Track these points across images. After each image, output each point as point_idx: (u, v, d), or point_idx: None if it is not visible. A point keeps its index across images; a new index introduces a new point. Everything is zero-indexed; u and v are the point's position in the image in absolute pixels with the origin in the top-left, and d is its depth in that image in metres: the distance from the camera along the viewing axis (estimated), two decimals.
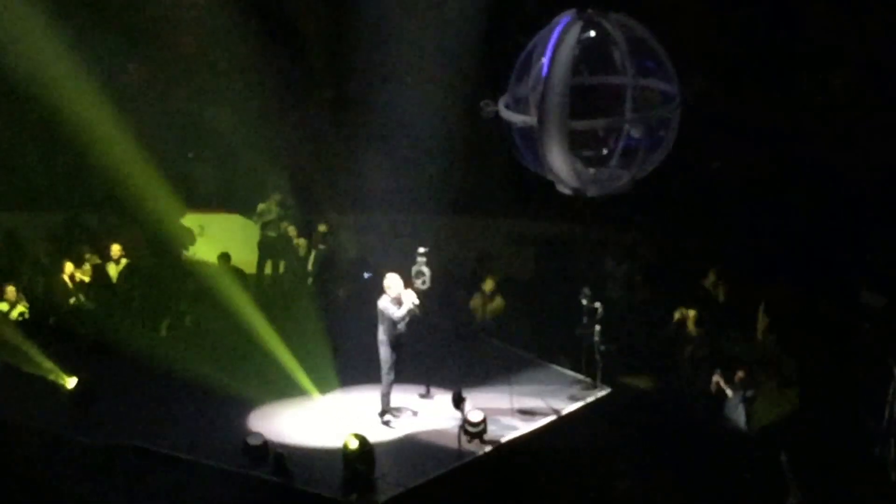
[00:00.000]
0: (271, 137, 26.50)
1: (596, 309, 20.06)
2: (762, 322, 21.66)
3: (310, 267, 24.82)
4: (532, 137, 15.07)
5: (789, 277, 22.00)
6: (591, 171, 15.43)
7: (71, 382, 19.61)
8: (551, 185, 24.34)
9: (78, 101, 24.38)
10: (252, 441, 17.60)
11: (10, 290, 21.67)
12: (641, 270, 23.75)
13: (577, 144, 15.07)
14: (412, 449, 18.15)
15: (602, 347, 19.87)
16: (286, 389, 19.60)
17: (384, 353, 18.55)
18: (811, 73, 25.22)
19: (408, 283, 18.74)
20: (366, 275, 23.95)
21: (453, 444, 17.69)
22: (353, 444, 17.00)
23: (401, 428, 18.70)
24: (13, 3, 23.87)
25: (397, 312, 18.35)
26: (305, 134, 26.69)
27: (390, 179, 25.58)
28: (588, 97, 15.06)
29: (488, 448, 17.89)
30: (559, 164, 15.03)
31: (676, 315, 21.43)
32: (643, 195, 24.27)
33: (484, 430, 17.99)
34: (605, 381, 19.97)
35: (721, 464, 17.80)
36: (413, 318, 18.51)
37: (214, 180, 26.88)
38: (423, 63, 25.71)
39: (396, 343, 18.53)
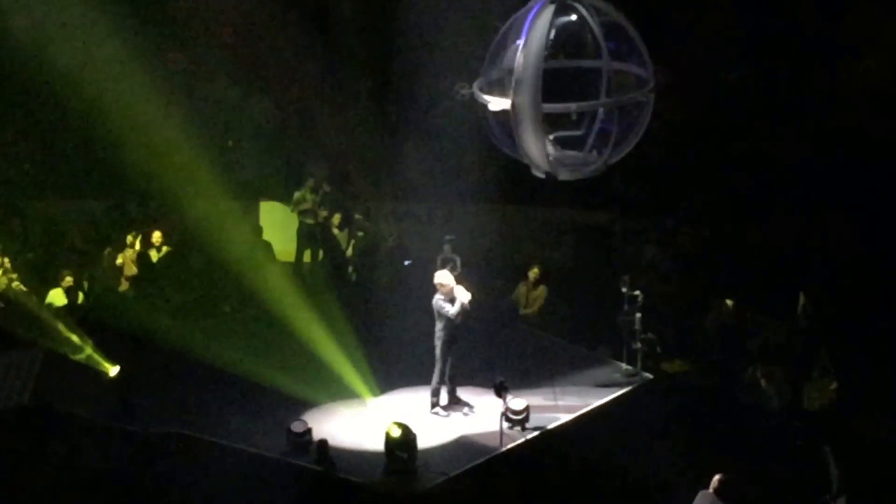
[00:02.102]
0: (311, 126, 26.55)
1: (636, 297, 20.05)
2: (802, 311, 21.58)
3: (349, 255, 24.81)
4: (506, 121, 15.07)
5: (831, 267, 21.88)
6: (564, 154, 15.41)
7: (113, 370, 19.70)
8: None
9: (118, 89, 24.49)
10: (296, 428, 17.66)
11: (68, 279, 21.87)
12: (681, 258, 23.67)
13: (552, 128, 15.08)
14: (454, 437, 18.19)
15: (642, 335, 19.86)
16: (328, 379, 19.60)
17: (440, 349, 18.55)
18: (850, 59, 25.08)
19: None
20: (406, 262, 23.96)
21: (495, 432, 17.72)
22: (396, 432, 17.06)
23: (443, 417, 18.72)
24: None
25: (452, 310, 18.34)
26: (345, 123, 26.71)
27: (429, 167, 25.59)
28: (563, 80, 15.04)
29: (530, 436, 17.93)
30: (532, 147, 15.03)
31: (714, 304, 21.41)
32: (682, 183, 24.47)
33: (526, 419, 18.03)
34: (646, 369, 19.97)
35: (763, 454, 17.74)
36: (465, 311, 18.51)
37: (254, 169, 26.90)
38: (462, 51, 25.68)
39: (452, 340, 18.53)
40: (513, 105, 14.80)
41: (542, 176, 15.45)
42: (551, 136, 15.11)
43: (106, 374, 19.72)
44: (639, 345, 19.86)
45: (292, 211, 25.50)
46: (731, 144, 24.87)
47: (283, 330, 20.90)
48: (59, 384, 19.71)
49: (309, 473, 17.20)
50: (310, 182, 25.44)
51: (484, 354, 20.22)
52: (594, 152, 15.40)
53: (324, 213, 25.28)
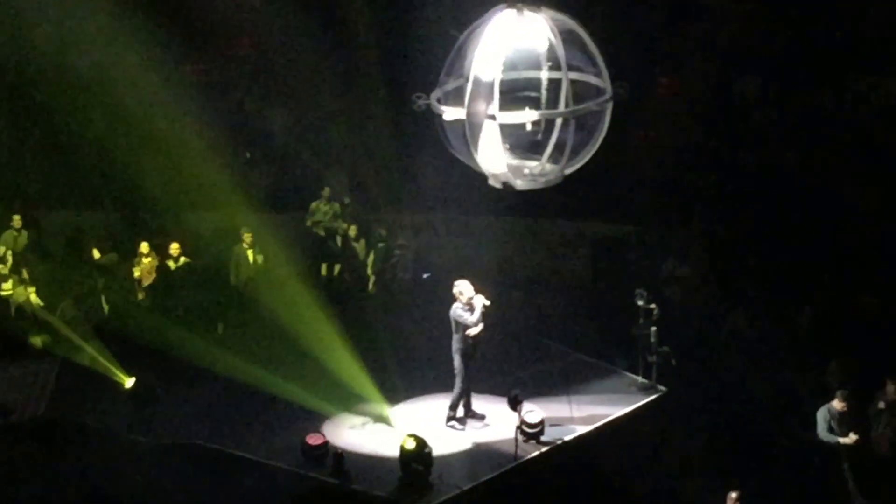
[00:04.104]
0: (328, 138, 26.59)
1: (652, 310, 20.01)
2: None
3: (369, 268, 24.76)
4: (462, 131, 15.07)
5: (843, 279, 21.82)
6: (521, 164, 15.38)
7: (129, 382, 19.75)
8: (606, 185, 24.56)
9: (136, 101, 24.59)
10: (311, 440, 17.67)
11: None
12: (698, 271, 23.62)
13: (509, 138, 15.07)
14: (469, 450, 18.19)
15: (658, 348, 19.83)
16: (344, 391, 19.58)
17: (458, 361, 18.49)
18: (867, 74, 25.08)
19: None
20: (425, 275, 23.92)
21: (510, 445, 17.71)
22: (411, 445, 17.08)
23: (458, 429, 18.70)
24: (73, 6, 24.11)
25: (470, 318, 18.27)
26: (362, 134, 26.74)
27: (447, 179, 25.59)
28: (519, 91, 15.02)
29: (545, 449, 17.91)
30: (488, 157, 15.01)
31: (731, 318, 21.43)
32: (698, 196, 24.44)
33: (541, 432, 18.02)
34: (662, 382, 19.93)
35: (782, 468, 17.72)
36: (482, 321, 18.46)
37: (271, 181, 26.94)
38: None
39: (470, 351, 18.49)
40: (469, 115, 14.80)
41: (500, 186, 15.43)
42: (507, 146, 15.08)
43: (122, 385, 19.76)
44: (654, 358, 19.82)
45: (307, 223, 25.50)
46: (747, 156, 24.87)
47: (299, 341, 20.87)
48: (75, 395, 19.81)
49: (324, 485, 17.22)
50: (325, 191, 25.44)
51: (499, 367, 20.20)
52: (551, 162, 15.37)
53: (344, 226, 25.25)
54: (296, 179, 26.61)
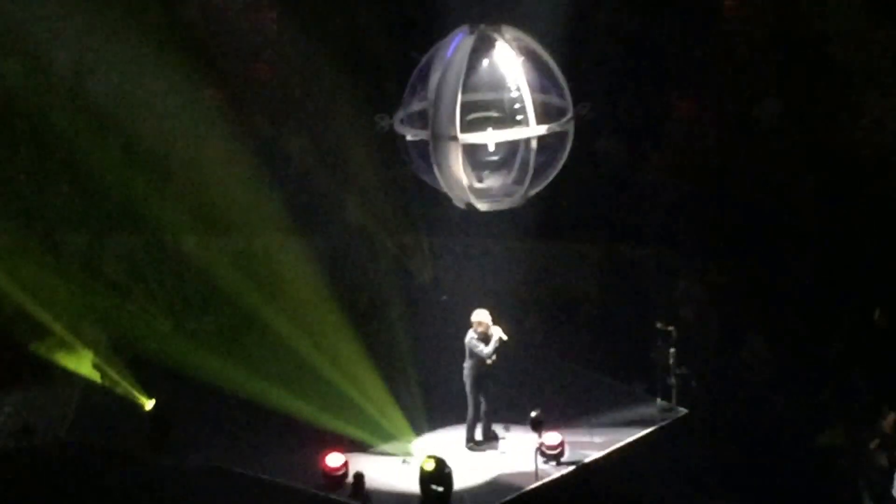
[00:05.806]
0: (346, 162, 26.62)
1: (670, 332, 20.02)
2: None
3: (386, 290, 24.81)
4: (426, 151, 15.12)
5: (862, 303, 21.79)
6: (484, 185, 15.44)
7: (149, 404, 19.80)
8: (623, 207, 24.56)
9: (155, 125, 24.66)
10: (332, 462, 17.69)
11: None
12: (712, 293, 23.60)
13: (472, 159, 15.13)
14: (489, 471, 18.23)
15: (677, 370, 19.82)
16: (364, 413, 19.61)
17: (469, 387, 18.53)
18: (881, 96, 25.08)
19: None
20: (442, 297, 23.95)
21: (530, 466, 17.73)
22: (430, 466, 17.10)
23: (478, 451, 18.71)
24: (91, 32, 24.24)
25: (486, 350, 18.31)
26: (380, 158, 26.77)
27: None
28: (482, 112, 15.09)
29: (565, 470, 17.92)
30: (451, 178, 15.09)
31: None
32: (715, 219, 24.44)
33: (561, 453, 18.03)
34: (681, 404, 19.92)
35: (803, 489, 17.69)
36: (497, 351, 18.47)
37: (289, 204, 26.96)
38: None
39: (481, 378, 18.48)
40: (431, 136, 14.87)
41: (463, 206, 15.51)
42: (470, 166, 15.15)
43: (142, 407, 19.81)
44: (673, 380, 19.82)
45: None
46: (766, 178, 24.86)
47: (318, 362, 20.90)
48: (96, 417, 19.86)
49: None
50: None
51: (519, 389, 20.21)
52: (514, 184, 15.41)
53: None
54: (313, 202, 26.64)
